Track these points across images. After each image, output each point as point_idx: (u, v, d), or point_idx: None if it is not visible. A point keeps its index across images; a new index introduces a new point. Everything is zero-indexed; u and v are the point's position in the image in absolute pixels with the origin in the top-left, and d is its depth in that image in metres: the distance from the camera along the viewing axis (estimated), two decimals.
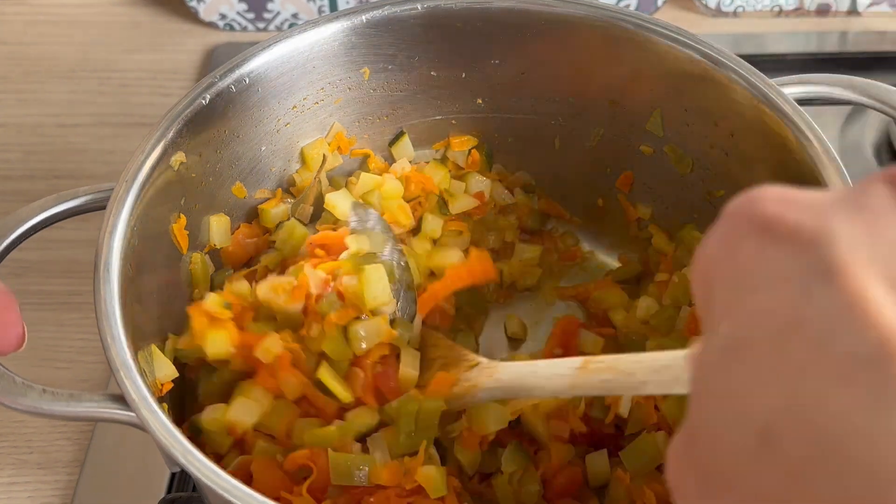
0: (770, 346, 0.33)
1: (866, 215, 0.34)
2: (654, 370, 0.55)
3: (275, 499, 0.62)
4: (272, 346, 0.68)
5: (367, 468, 0.65)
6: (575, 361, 0.61)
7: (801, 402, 0.32)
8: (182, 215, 0.72)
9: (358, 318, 0.70)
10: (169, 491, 0.77)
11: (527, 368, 0.66)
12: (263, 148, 0.78)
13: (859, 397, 0.30)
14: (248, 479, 0.66)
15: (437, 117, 0.83)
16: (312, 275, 0.69)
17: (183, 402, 0.71)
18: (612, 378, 0.58)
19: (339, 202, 0.76)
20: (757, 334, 0.34)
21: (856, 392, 0.31)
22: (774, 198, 0.36)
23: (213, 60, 1.11)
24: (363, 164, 0.84)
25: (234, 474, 0.57)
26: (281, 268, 0.75)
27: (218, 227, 0.76)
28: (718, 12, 1.15)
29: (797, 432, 0.32)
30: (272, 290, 0.69)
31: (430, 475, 0.66)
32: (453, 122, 0.84)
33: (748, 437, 0.33)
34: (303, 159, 0.81)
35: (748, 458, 0.33)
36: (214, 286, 0.75)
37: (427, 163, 0.85)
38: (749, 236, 0.36)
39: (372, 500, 0.65)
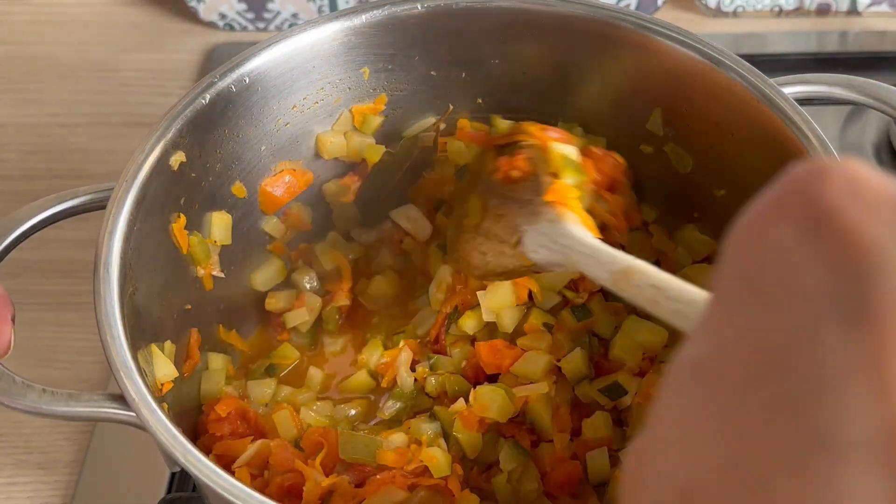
0: (733, 390, 0.25)
1: None
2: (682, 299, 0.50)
3: (289, 469, 0.66)
4: None
5: (373, 447, 0.68)
6: (618, 261, 0.59)
7: (735, 478, 0.24)
8: (182, 215, 0.72)
9: None
10: (169, 491, 0.77)
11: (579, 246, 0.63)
12: (263, 148, 0.78)
13: (807, 493, 0.23)
14: (264, 461, 0.69)
15: (438, 117, 0.83)
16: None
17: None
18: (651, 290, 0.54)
19: (566, 150, 0.73)
20: (728, 366, 0.26)
21: (804, 485, 0.23)
22: (846, 181, 0.26)
23: (213, 60, 1.11)
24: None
25: (252, 461, 0.63)
26: None
27: (219, 224, 0.76)
28: (718, 12, 1.15)
29: None
30: None
31: (435, 455, 0.67)
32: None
33: (668, 493, 0.26)
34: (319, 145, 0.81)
35: None
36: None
37: None
38: (790, 221, 0.26)
39: (377, 477, 0.67)
